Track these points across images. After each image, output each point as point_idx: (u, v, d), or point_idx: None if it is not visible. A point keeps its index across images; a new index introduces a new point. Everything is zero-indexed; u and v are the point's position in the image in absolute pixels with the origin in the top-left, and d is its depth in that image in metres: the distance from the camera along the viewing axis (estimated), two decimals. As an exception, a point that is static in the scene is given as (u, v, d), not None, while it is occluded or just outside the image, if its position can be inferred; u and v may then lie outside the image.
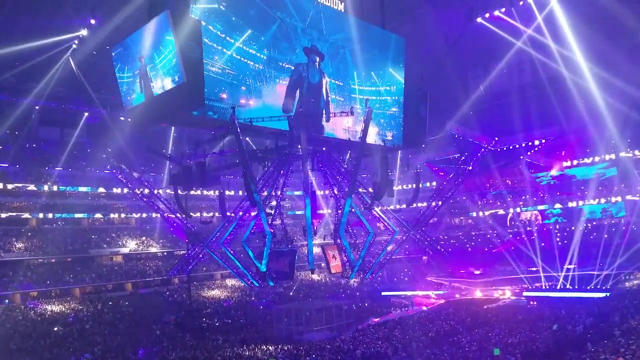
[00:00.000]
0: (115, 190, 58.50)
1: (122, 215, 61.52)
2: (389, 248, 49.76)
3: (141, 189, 48.84)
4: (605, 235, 52.62)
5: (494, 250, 58.31)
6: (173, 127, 57.93)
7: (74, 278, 51.09)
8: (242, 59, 36.87)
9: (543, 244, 55.27)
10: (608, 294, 41.52)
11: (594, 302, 39.71)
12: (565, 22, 47.60)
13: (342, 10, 43.29)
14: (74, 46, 48.48)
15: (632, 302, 36.53)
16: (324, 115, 41.64)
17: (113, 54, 39.78)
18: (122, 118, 54.30)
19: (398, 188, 53.10)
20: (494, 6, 46.08)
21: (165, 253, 60.90)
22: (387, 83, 46.74)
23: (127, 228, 61.46)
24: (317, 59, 41.22)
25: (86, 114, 59.25)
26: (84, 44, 48.60)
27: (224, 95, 35.87)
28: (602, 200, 58.00)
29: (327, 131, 42.39)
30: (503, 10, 45.54)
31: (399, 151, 56.13)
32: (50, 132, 60.14)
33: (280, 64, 39.47)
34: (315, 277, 57.51)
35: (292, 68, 39.84)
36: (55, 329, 39.86)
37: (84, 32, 46.82)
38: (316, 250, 49.89)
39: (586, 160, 60.18)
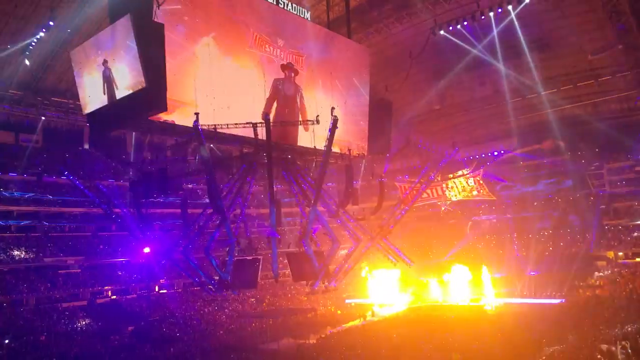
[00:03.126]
0: (72, 197, 56.71)
1: (80, 223, 59.67)
2: (353, 256, 49.92)
3: (99, 197, 47.60)
4: (562, 243, 54.34)
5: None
6: (134, 133, 56.73)
7: (27, 287, 49.29)
8: (205, 62, 36.65)
9: (501, 252, 56.68)
10: (563, 300, 42.85)
11: (550, 308, 40.93)
12: (521, 39, 49.19)
13: (308, 19, 43.63)
14: (31, 47, 47.03)
15: (584, 308, 37.89)
16: (301, 124, 42.43)
17: (72, 56, 38.80)
18: (80, 122, 52.96)
19: (362, 196, 53.41)
20: (456, 20, 47.17)
21: (123, 262, 59.39)
22: (352, 92, 47.23)
23: (84, 236, 59.67)
24: (292, 74, 42.20)
25: (43, 117, 57.42)
26: (42, 46, 47.22)
27: (187, 100, 35.52)
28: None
29: (305, 140, 43.12)
30: (465, 23, 46.66)
31: (364, 160, 56.65)
32: (5, 136, 57.92)
33: (245, 69, 39.47)
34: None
35: (263, 75, 40.47)
36: (7, 341, 38.30)
37: (41, 34, 45.52)
38: (281, 258, 49.62)
39: (542, 172, 62.03)
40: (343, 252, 52.03)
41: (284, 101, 42.11)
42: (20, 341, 38.55)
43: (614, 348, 12.81)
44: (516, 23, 47.03)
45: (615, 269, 50.85)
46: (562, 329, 32.33)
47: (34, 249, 53.37)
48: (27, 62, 48.09)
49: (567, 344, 28.20)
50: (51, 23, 43.51)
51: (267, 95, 40.58)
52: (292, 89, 42.86)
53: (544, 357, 26.50)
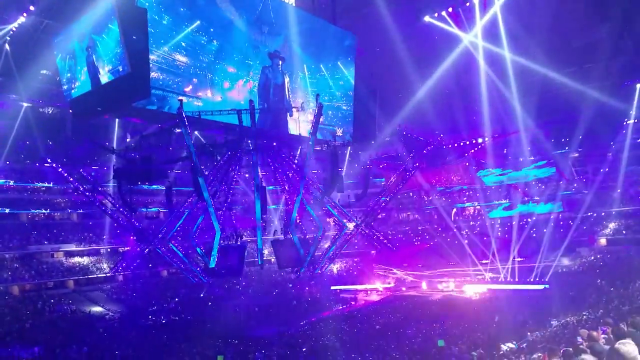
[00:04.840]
0: (55, 184, 56.15)
1: (64, 210, 59.15)
2: (338, 243, 50.17)
3: (83, 184, 47.29)
4: (545, 230, 54.86)
5: (428, 245, 60.05)
6: (117, 119, 56.12)
7: (12, 275, 48.92)
8: (191, 49, 36.54)
9: (485, 238, 57.16)
10: (547, 286, 43.39)
11: (534, 293, 41.49)
12: (502, 27, 49.06)
13: (293, 4, 43.37)
14: (12, 32, 46.04)
15: (567, 293, 38.44)
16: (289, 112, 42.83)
17: (54, 42, 38.30)
18: (63, 108, 52.22)
19: (348, 182, 53.58)
20: (441, 6, 46.98)
21: (109, 249, 59.10)
22: (337, 77, 47.21)
23: (68, 224, 59.22)
24: (280, 61, 42.32)
25: (25, 104, 56.51)
26: (22, 31, 46.26)
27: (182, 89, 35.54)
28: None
29: (297, 125, 43.54)
30: (450, 9, 46.50)
31: (349, 147, 56.72)
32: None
33: (231, 56, 39.36)
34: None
35: (250, 63, 40.58)
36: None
37: (22, 19, 44.58)
38: (266, 245, 49.80)
39: (525, 159, 62.50)
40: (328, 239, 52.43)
41: (274, 89, 42.48)
42: (5, 329, 38.28)
43: (595, 333, 13.01)
44: (500, 9, 46.94)
45: (599, 255, 51.52)
46: (545, 314, 32.83)
47: (18, 237, 52.92)
48: (7, 47, 47.16)
49: (550, 329, 28.69)
50: (32, 8, 42.57)
51: (249, 82, 40.61)
52: (281, 76, 43.11)
53: (525, 343, 26.92)
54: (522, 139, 61.52)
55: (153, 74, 34.02)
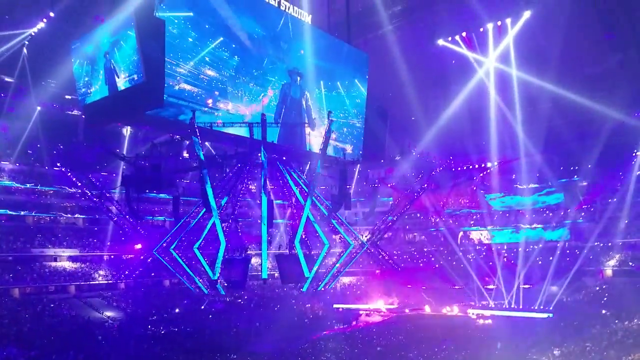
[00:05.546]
0: (62, 188, 56.21)
1: (69, 215, 59.14)
2: (343, 260, 49.92)
3: (91, 189, 47.43)
4: (551, 258, 54.37)
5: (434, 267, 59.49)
6: (129, 127, 56.44)
7: (14, 278, 48.81)
8: (214, 64, 37.50)
9: (491, 263, 56.66)
10: (551, 315, 42.83)
11: (537, 321, 40.95)
12: (518, 51, 49.21)
13: (310, 23, 44.01)
14: (31, 36, 46.62)
15: (571, 323, 37.93)
16: (308, 125, 43.76)
17: (73, 48, 38.78)
18: (75, 113, 52.63)
19: (355, 200, 53.39)
20: (455, 30, 47.34)
21: (112, 256, 58.88)
22: (352, 94, 47.72)
23: (74, 228, 59.18)
24: (298, 78, 43.49)
25: (38, 107, 57.00)
26: (40, 36, 46.84)
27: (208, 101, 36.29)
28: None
29: (308, 141, 44.45)
30: (464, 34, 46.83)
31: (358, 165, 56.72)
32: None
33: (251, 71, 40.18)
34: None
35: (268, 78, 41.65)
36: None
37: (41, 25, 45.18)
38: (270, 259, 49.48)
39: (534, 185, 62.25)
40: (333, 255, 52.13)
41: (291, 104, 43.60)
42: (3, 331, 38.07)
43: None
44: (514, 36, 47.18)
45: (604, 286, 50.88)
46: (548, 343, 32.36)
47: (22, 239, 52.88)
48: (25, 51, 47.75)
49: (553, 359, 28.29)
50: (51, 14, 43.17)
51: (266, 97, 41.32)
52: (299, 92, 44.03)
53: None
54: (530, 165, 61.33)
55: (181, 86, 34.81)
